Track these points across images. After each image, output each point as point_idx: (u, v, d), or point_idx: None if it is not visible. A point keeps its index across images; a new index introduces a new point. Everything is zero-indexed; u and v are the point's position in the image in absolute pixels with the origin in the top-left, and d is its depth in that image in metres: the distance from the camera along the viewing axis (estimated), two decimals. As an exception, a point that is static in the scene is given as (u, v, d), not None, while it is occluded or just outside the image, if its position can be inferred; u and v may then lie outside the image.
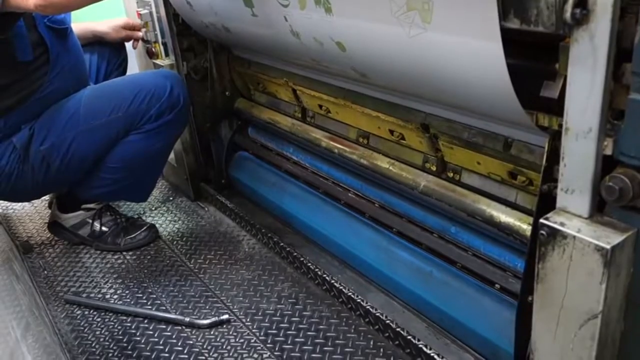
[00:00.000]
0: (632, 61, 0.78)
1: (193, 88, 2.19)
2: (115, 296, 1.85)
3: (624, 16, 0.78)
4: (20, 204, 2.48)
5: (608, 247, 0.82)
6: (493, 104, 1.07)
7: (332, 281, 1.70)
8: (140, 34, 2.20)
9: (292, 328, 1.63)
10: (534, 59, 1.02)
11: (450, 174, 1.47)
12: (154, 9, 2.10)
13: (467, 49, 0.99)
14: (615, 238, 0.84)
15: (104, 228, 2.12)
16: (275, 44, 1.63)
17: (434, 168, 1.49)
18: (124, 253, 2.08)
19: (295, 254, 1.85)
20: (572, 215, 0.90)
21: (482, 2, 0.90)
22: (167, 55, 2.17)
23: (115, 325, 1.72)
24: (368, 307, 1.57)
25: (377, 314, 1.55)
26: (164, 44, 2.16)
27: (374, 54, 1.25)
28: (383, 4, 1.09)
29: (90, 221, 2.13)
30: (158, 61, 2.18)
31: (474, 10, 0.92)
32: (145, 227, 2.14)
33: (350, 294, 1.63)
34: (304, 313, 1.67)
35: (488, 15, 0.90)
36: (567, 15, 0.78)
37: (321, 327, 1.62)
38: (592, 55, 0.80)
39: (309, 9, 1.31)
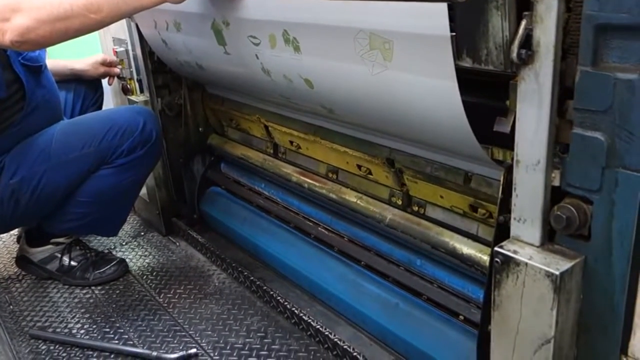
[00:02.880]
0: (574, 98, 0.84)
1: (167, 124, 2.23)
2: (82, 331, 1.83)
3: (565, 57, 0.85)
4: (-13, 238, 2.45)
5: (557, 273, 0.86)
6: (451, 139, 1.12)
7: (301, 314, 1.71)
8: (117, 70, 2.24)
9: (261, 362, 1.63)
10: (488, 96, 1.08)
11: (415, 208, 1.51)
12: (130, 47, 2.15)
13: (425, 86, 1.05)
14: (564, 265, 0.88)
15: (72, 262, 2.10)
16: (247, 81, 1.68)
17: (399, 202, 1.54)
18: (93, 288, 2.06)
19: (265, 287, 1.86)
20: (524, 244, 0.95)
21: (437, 43, 0.96)
22: (142, 91, 2.21)
23: (81, 361, 1.70)
24: (336, 339, 1.59)
25: (345, 347, 1.56)
26: (139, 81, 2.20)
27: (340, 91, 1.30)
28: (348, 43, 1.15)
29: (59, 255, 2.11)
30: (133, 97, 2.21)
31: (430, 50, 0.98)
32: (114, 262, 2.13)
33: (318, 326, 1.64)
34: (273, 347, 1.67)
35: (443, 55, 0.96)
36: (514, 55, 0.85)
37: (289, 360, 1.63)
38: (537, 92, 0.86)
39: (279, 48, 1.37)
